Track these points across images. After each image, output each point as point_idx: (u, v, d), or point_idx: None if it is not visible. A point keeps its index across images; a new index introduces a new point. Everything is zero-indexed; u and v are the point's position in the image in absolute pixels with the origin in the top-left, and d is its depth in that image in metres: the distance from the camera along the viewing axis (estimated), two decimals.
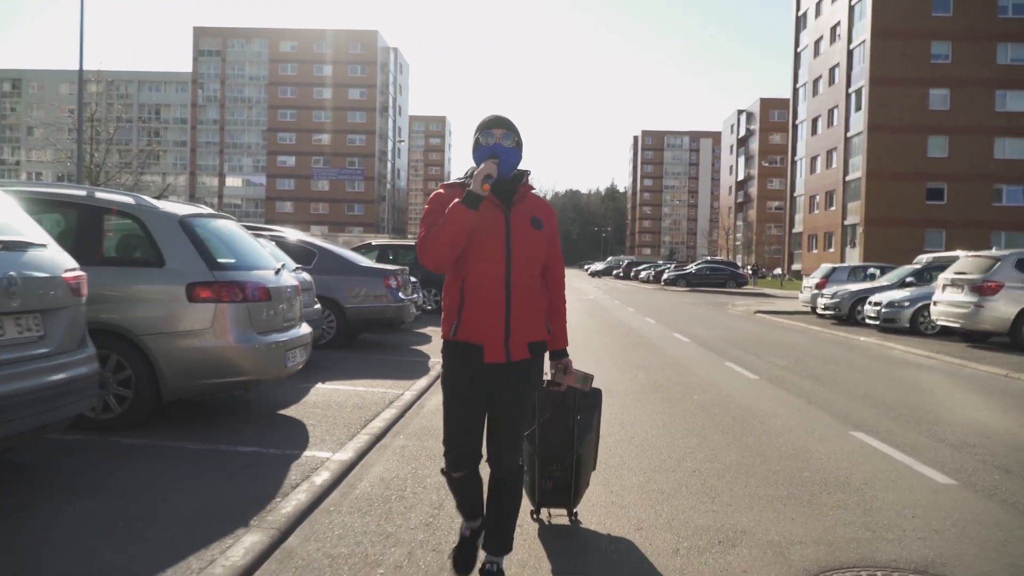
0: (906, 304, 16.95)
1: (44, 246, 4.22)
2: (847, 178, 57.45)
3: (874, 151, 53.43)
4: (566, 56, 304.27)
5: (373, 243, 20.99)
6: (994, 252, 14.84)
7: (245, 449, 5.28)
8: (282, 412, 6.57)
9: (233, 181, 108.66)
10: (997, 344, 14.62)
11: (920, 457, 5.88)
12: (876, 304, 17.63)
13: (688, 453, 5.81)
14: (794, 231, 71.28)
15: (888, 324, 17.11)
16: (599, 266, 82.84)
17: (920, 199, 53.29)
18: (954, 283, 14.83)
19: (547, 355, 3.33)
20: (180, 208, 6.10)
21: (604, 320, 19.61)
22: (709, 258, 73.37)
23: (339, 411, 6.66)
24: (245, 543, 3.59)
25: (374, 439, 5.80)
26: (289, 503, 4.18)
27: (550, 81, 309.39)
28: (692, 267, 51.76)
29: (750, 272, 61.03)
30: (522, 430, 3.28)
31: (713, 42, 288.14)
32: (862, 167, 54.30)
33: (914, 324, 16.72)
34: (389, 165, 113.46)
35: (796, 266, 68.90)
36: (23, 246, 4.01)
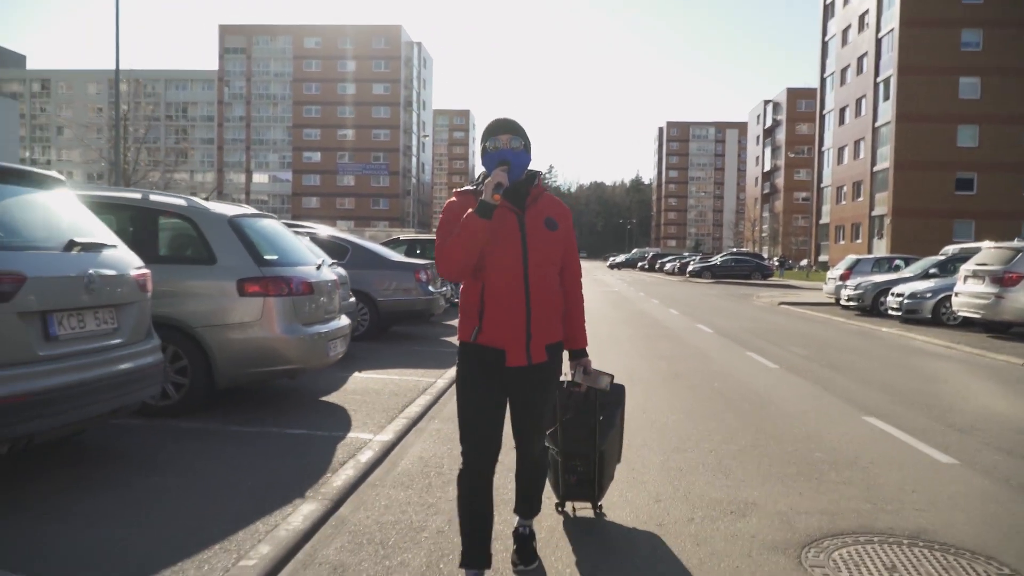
0: (928, 295, 17.08)
1: (115, 247, 4.68)
2: (875, 168, 57.02)
3: (902, 141, 52.98)
4: (590, 47, 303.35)
5: (401, 238, 21.45)
6: (1016, 243, 14.95)
7: (294, 431, 5.73)
8: (324, 399, 7.02)
9: (260, 177, 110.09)
10: (1018, 334, 14.74)
11: (927, 440, 6.19)
12: (899, 295, 17.77)
13: (706, 435, 6.17)
14: (821, 222, 70.86)
15: (910, 315, 17.25)
16: (620, 258, 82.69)
17: (949, 189, 52.77)
18: (975, 274, 14.97)
19: (566, 355, 3.44)
20: (228, 209, 6.56)
21: (629, 312, 19.93)
22: (735, 250, 73.16)
23: (377, 397, 7.09)
24: (303, 511, 4.02)
25: (411, 423, 6.22)
26: (339, 478, 4.61)
27: (575, 73, 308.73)
28: (717, 259, 51.72)
29: (776, 264, 60.88)
30: (545, 423, 3.41)
31: (739, 32, 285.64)
32: (890, 157, 53.87)
33: (936, 315, 16.84)
34: (414, 159, 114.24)
35: (823, 257, 68.51)
36: (99, 247, 4.46)
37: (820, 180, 71.45)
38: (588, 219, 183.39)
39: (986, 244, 16.60)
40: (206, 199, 6.73)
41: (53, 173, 4.66)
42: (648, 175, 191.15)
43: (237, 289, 6.05)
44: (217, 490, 4.34)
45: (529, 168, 3.22)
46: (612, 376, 3.60)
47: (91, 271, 4.24)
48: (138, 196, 6.47)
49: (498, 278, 3.08)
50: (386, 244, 17.55)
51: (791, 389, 8.55)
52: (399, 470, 5.01)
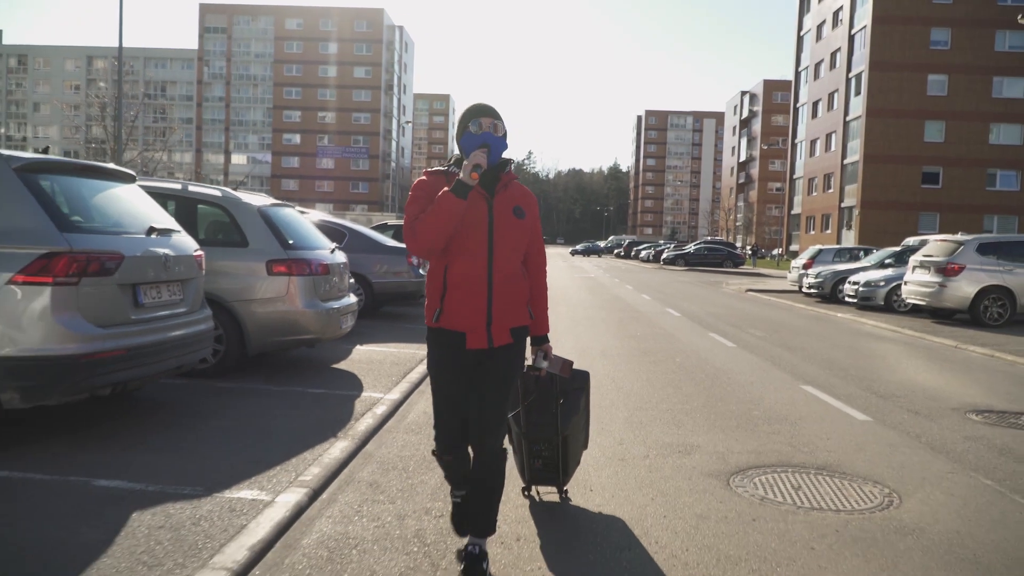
0: (881, 284, 18.36)
1: (179, 232, 5.65)
2: (845, 161, 58.60)
3: (872, 135, 54.56)
4: (571, 35, 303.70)
5: (389, 223, 22.35)
6: (959, 237, 16.20)
7: (316, 391, 6.74)
8: (335, 366, 8.03)
9: (238, 159, 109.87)
10: (960, 320, 16.03)
11: (850, 403, 7.33)
12: (854, 283, 19.05)
13: (664, 398, 7.27)
14: (793, 212, 72.49)
15: (865, 302, 18.53)
16: (579, 246, 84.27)
17: (915, 183, 54.50)
18: (922, 265, 16.24)
19: (529, 340, 3.44)
20: (257, 199, 7.53)
21: (604, 297, 21.05)
22: (709, 238, 74.76)
23: (380, 365, 8.11)
24: (339, 447, 5.05)
25: (413, 385, 7.26)
26: (361, 424, 5.64)
27: (555, 60, 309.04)
28: (691, 247, 53.08)
29: (750, 252, 62.42)
30: (505, 414, 3.30)
31: (719, 22, 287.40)
32: (860, 151, 55.44)
33: (888, 302, 18.14)
34: (394, 143, 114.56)
35: (795, 247, 70.13)
36: (169, 232, 5.44)
37: (793, 171, 73.01)
38: (566, 206, 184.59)
39: (934, 237, 17.87)
40: (235, 189, 7.67)
41: (127, 170, 5.61)
42: (626, 163, 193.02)
43: (266, 269, 7.04)
44: (265, 432, 5.35)
45: (502, 156, 3.25)
46: (572, 362, 3.68)
47: (166, 252, 5.22)
48: (178, 187, 7.42)
49: (462, 262, 3.11)
50: (375, 229, 18.47)
51: (743, 364, 9.68)
52: (408, 420, 6.04)
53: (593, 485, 4.64)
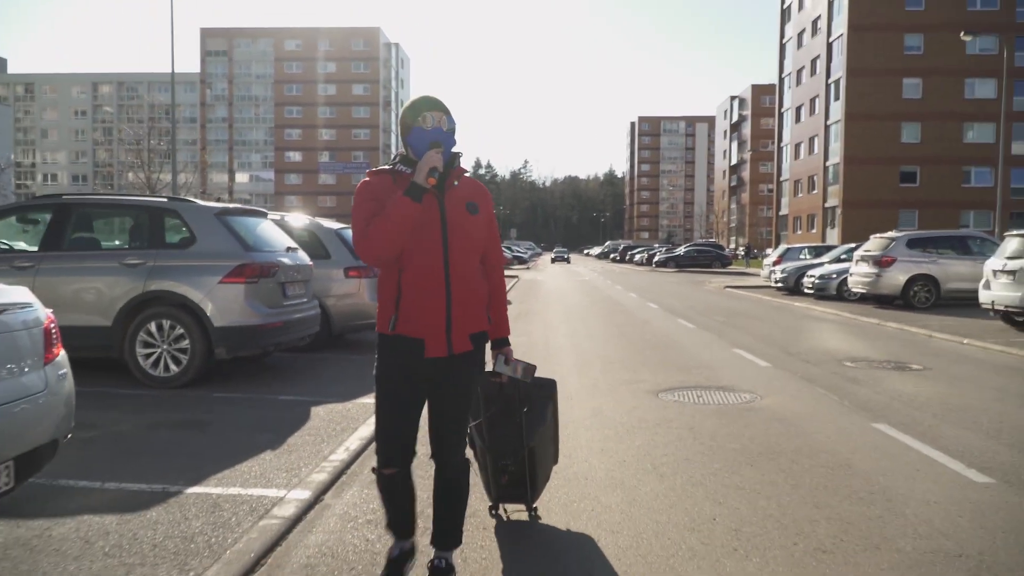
0: (833, 276, 21.29)
1: (299, 249, 8.57)
2: (827, 163, 61.59)
3: (851, 138, 57.57)
4: (563, 45, 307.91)
5: None
6: (892, 233, 19.14)
7: None
8: None
9: (242, 177, 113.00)
10: (897, 305, 18.91)
11: (762, 358, 10.23)
12: (811, 276, 21.97)
13: (629, 358, 10.18)
14: (781, 213, 75.46)
15: (820, 292, 21.45)
16: (552, 252, 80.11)
17: (894, 182, 57.47)
18: (863, 258, 19.15)
19: (488, 344, 3.29)
20: (334, 224, 10.45)
21: (595, 296, 23.97)
22: (702, 241, 77.69)
23: None
24: None
25: None
26: None
27: (548, 70, 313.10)
28: (681, 250, 56.06)
29: (742, 253, 65.32)
30: (467, 425, 3.25)
31: (708, 29, 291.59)
32: (840, 153, 58.48)
33: (839, 292, 21.04)
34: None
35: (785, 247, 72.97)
36: (296, 249, 8.36)
37: (780, 174, 76.00)
38: (563, 212, 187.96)
39: (875, 235, 20.79)
40: (313, 218, 10.61)
41: (265, 210, 8.51)
42: (621, 169, 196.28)
43: (343, 273, 9.95)
44: (358, 377, 8.23)
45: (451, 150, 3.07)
46: (535, 366, 3.47)
47: (296, 262, 8.13)
48: (278, 217, 10.32)
49: (417, 264, 2.96)
50: None
51: (696, 338, 12.58)
52: None
53: (572, 396, 7.53)
